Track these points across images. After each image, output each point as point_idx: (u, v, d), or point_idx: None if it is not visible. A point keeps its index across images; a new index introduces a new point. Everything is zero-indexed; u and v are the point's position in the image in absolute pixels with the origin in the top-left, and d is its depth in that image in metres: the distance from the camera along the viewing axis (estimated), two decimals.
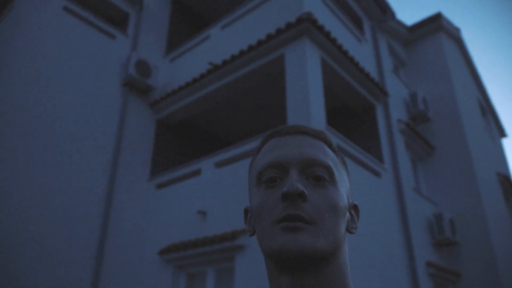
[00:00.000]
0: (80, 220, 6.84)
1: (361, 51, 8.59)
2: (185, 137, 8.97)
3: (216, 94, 7.85)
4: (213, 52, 8.21)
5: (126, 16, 9.12)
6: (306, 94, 6.21)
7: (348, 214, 0.70)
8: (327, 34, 6.73)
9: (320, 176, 0.65)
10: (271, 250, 0.61)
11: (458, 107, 10.29)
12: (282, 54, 6.76)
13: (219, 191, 6.63)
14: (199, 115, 8.84)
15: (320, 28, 6.58)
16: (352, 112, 8.39)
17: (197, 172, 7.23)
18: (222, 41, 8.19)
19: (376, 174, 7.34)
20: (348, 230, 0.71)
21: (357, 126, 8.26)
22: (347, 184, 0.74)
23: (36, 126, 6.78)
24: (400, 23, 10.63)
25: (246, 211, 0.76)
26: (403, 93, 10.02)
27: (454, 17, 47.06)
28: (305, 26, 6.45)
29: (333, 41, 6.88)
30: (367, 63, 8.62)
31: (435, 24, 11.07)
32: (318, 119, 6.16)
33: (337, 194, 0.65)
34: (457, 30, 12.41)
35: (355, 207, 0.75)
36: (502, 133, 15.27)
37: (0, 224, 5.89)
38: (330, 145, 0.73)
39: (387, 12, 9.60)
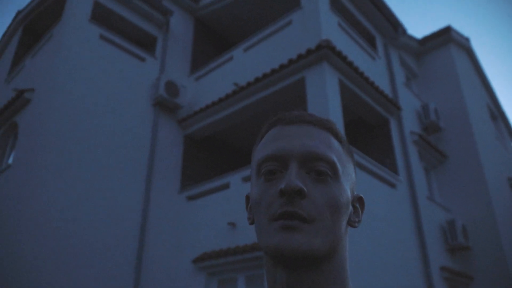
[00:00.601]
0: (119, 232, 7.50)
1: (375, 68, 9.13)
2: (212, 151, 9.60)
3: (240, 112, 8.47)
4: (236, 73, 8.83)
5: (154, 39, 9.78)
6: (326, 115, 6.78)
7: (351, 207, 0.68)
8: (344, 59, 7.30)
9: (321, 171, 0.62)
10: (267, 247, 0.60)
11: (468, 115, 10.76)
12: (303, 77, 7.35)
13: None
14: (224, 131, 9.46)
15: (338, 54, 7.16)
16: (367, 126, 8.93)
17: (225, 186, 7.85)
18: (245, 63, 8.80)
19: (392, 185, 7.89)
20: (350, 224, 0.68)
21: (372, 139, 8.81)
22: (352, 176, 0.71)
23: (78, 145, 7.46)
24: (411, 38, 11.13)
25: (247, 198, 0.75)
26: (415, 105, 10.52)
27: (463, 23, 46.68)
28: (325, 53, 7.04)
29: (350, 64, 7.45)
30: (381, 79, 9.16)
31: (445, 37, 11.55)
32: None
33: (339, 190, 0.63)
34: (467, 40, 12.86)
35: (359, 200, 0.72)
36: None
37: (46, 239, 6.57)
38: (336, 135, 0.69)
39: (399, 28, 10.12)
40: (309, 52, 7.14)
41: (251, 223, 0.70)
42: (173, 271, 7.73)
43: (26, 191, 6.76)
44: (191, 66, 10.17)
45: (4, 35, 11.59)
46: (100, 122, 7.96)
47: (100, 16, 9.00)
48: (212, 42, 10.96)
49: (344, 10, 9.07)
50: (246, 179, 7.54)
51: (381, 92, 8.25)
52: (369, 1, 9.39)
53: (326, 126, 0.69)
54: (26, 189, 6.79)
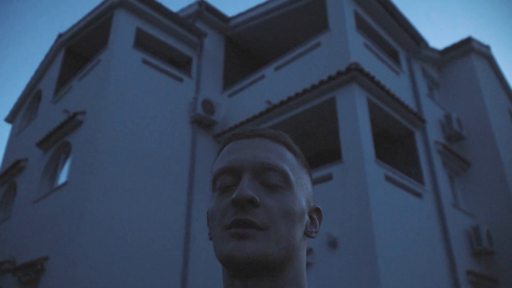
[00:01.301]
0: (165, 240, 8.20)
1: (399, 82, 9.62)
2: None
3: (273, 129, 9.06)
4: (268, 91, 9.43)
5: (189, 59, 10.47)
6: (357, 132, 7.34)
7: (307, 218, 0.67)
8: (372, 79, 7.84)
9: (273, 183, 0.63)
10: (220, 256, 0.59)
11: (490, 123, 11.14)
12: (334, 97, 7.91)
13: None
14: None
15: (366, 75, 7.70)
16: (393, 138, 9.43)
17: None
18: (276, 81, 9.40)
19: (418, 195, 8.38)
20: (307, 234, 0.68)
21: (398, 151, 9.30)
22: (307, 187, 0.71)
23: (126, 163, 8.18)
24: (432, 49, 11.55)
25: (207, 214, 0.71)
26: (439, 114, 10.95)
27: (483, 30, 46.11)
28: (354, 74, 7.59)
29: (377, 83, 7.97)
30: (405, 92, 9.64)
31: (466, 47, 11.93)
32: (368, 153, 7.28)
33: (292, 199, 0.63)
34: (487, 47, 13.19)
35: (317, 211, 0.72)
36: None
37: (101, 249, 7.30)
38: (290, 148, 0.70)
39: (421, 43, 10.57)
40: (339, 74, 7.70)
41: (211, 239, 0.67)
42: (215, 275, 8.38)
43: (83, 206, 7.50)
44: (223, 83, 10.82)
45: (47, 55, 12.45)
46: (145, 140, 8.67)
47: (142, 41, 9.72)
48: (242, 60, 11.60)
49: (369, 29, 9.58)
50: None
51: (406, 107, 8.74)
52: (392, 18, 9.88)
53: (279, 139, 0.69)
54: (83, 203, 7.53)
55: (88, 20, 10.40)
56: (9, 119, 13.98)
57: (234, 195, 0.59)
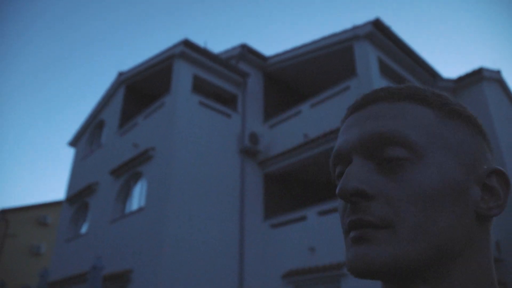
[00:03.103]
0: (223, 254, 9.98)
1: None
2: (287, 185, 11.96)
3: (309, 158, 10.77)
4: (305, 125, 11.13)
5: (235, 96, 12.24)
6: None
7: (475, 190, 0.47)
8: None
9: (393, 157, 0.46)
10: (346, 265, 0.47)
11: (499, 145, 12.59)
12: None
13: (323, 233, 9.54)
14: (296, 169, 11.79)
15: None
16: None
17: (303, 218, 10.18)
18: (312, 117, 11.09)
19: None
20: (482, 213, 0.46)
21: None
22: (465, 145, 0.48)
23: (190, 190, 9.98)
24: (447, 80, 13.06)
25: None
26: None
27: (494, 53, 48.55)
28: None
29: None
30: None
31: (478, 76, 13.39)
32: None
33: (427, 172, 0.45)
34: (498, 72, 14.59)
35: (497, 174, 0.49)
36: None
37: (177, 266, 9.13)
38: (420, 100, 0.50)
39: (436, 76, 12.10)
40: None
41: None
42: (267, 283, 10.16)
43: (162, 227, 9.33)
44: (264, 114, 12.56)
45: (108, 90, 14.40)
46: (204, 170, 10.47)
47: (196, 84, 11.53)
48: (280, 93, 13.32)
49: (390, 70, 11.18)
50: (321, 213, 9.84)
51: None
52: (410, 58, 11.45)
53: (401, 95, 0.50)
54: (162, 225, 9.36)
55: (149, 64, 12.27)
56: (72, 143, 16.00)
57: (336, 190, 0.46)
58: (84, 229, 13.27)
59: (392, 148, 0.46)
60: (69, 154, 57.87)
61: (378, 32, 10.56)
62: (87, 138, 15.12)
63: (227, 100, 12.44)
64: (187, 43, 11.09)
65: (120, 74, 13.87)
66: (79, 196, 13.40)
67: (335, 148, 0.51)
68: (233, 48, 12.89)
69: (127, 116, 13.12)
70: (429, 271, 0.45)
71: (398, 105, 0.49)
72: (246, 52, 12.54)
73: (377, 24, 10.47)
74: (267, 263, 10.42)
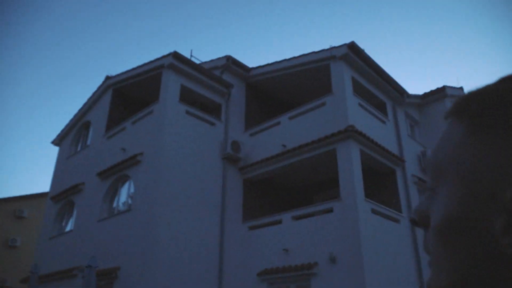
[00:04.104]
0: (205, 253, 10.82)
1: (386, 129, 12.31)
2: (265, 190, 12.88)
3: (287, 166, 11.72)
4: (283, 136, 12.05)
5: (219, 106, 13.04)
6: (352, 177, 10.01)
7: (496, 221, 0.37)
8: (364, 135, 10.51)
9: (429, 187, 0.45)
10: None
11: None
12: (335, 149, 10.57)
13: (296, 236, 10.52)
14: (274, 176, 12.72)
15: (360, 133, 10.37)
16: (380, 174, 12.12)
17: (279, 221, 11.13)
18: (290, 128, 12.03)
19: (396, 221, 11.10)
20: (504, 249, 0.36)
21: (384, 184, 12.00)
22: (486, 167, 0.39)
23: (176, 194, 10.76)
24: (414, 96, 14.25)
25: None
26: (417, 150, 13.66)
27: (457, 68, 52.54)
28: (350, 134, 10.25)
29: (368, 138, 10.65)
30: (390, 137, 12.33)
31: (441, 94, 14.66)
32: (359, 193, 9.96)
33: (444, 199, 0.41)
34: (461, 89, 15.92)
35: None
36: None
37: (165, 265, 9.94)
38: (461, 112, 0.43)
39: (404, 94, 13.25)
40: (339, 132, 10.36)
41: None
42: (244, 281, 11.08)
43: (151, 229, 10.09)
44: (245, 123, 13.42)
45: (95, 92, 14.93)
46: (188, 175, 11.26)
47: (183, 93, 12.26)
48: (261, 103, 14.20)
49: (363, 88, 12.23)
50: (295, 218, 10.80)
51: (389, 152, 11.44)
52: (380, 77, 12.54)
53: (451, 112, 0.45)
54: (151, 227, 10.12)
55: (138, 72, 12.92)
56: (56, 142, 16.42)
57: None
58: (69, 227, 13.83)
59: (429, 173, 0.45)
60: (48, 149, 57.47)
61: (353, 54, 11.58)
62: (72, 138, 15.60)
63: (212, 109, 13.22)
64: (176, 55, 11.81)
65: (108, 78, 14.43)
66: (65, 195, 13.94)
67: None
68: (218, 59, 13.68)
69: (114, 119, 13.72)
70: None
71: (454, 124, 0.44)
72: (230, 64, 13.34)
73: (352, 47, 11.49)
74: (244, 262, 11.33)
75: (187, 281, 10.16)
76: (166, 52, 11.97)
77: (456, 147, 0.43)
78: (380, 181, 12.10)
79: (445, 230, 0.41)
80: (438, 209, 0.42)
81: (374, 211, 10.31)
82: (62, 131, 16.16)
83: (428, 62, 57.20)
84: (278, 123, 12.46)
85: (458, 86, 15.92)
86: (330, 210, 10.21)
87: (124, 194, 12.05)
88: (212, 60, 13.98)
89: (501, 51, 48.86)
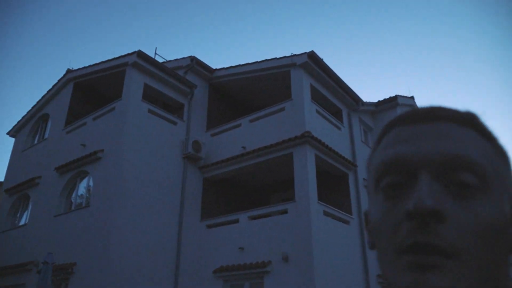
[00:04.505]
0: (163, 249, 11.08)
1: (341, 135, 13.00)
2: (224, 189, 13.24)
3: (246, 168, 12.15)
4: (243, 138, 12.46)
5: (182, 105, 13.26)
6: (306, 180, 10.58)
7: None
8: (319, 141, 11.10)
9: (466, 183, 0.44)
10: None
11: None
12: (292, 153, 11.10)
13: (252, 235, 10.98)
14: (233, 176, 13.11)
15: (315, 139, 10.95)
16: (333, 177, 12.79)
17: (236, 221, 11.55)
18: (250, 131, 12.46)
19: (346, 222, 11.80)
20: None
21: (336, 187, 12.69)
22: (509, 184, 0.48)
23: (136, 190, 10.93)
24: (368, 104, 15.05)
25: (366, 215, 0.56)
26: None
27: (408, 76, 56.39)
28: (307, 139, 10.81)
29: (323, 144, 11.25)
30: (345, 142, 13.03)
31: (393, 103, 15.55)
32: (313, 196, 10.55)
33: (493, 209, 0.44)
34: (411, 98, 16.93)
35: None
36: None
37: (124, 258, 10.13)
38: (482, 131, 0.49)
39: (359, 102, 14.00)
40: (296, 137, 10.89)
41: (371, 248, 0.52)
42: (200, 278, 11.43)
43: (110, 226, 10.22)
44: (207, 123, 13.72)
45: (54, 85, 14.71)
46: (148, 173, 11.45)
47: (147, 92, 12.39)
48: (223, 104, 14.53)
49: (321, 95, 12.84)
50: (252, 218, 11.26)
51: (343, 157, 12.12)
52: (337, 85, 13.20)
53: (467, 121, 0.49)
54: (109, 224, 10.25)
55: (101, 68, 12.90)
56: (12, 133, 16.03)
57: (410, 206, 0.42)
58: (23, 221, 13.62)
59: (465, 173, 0.44)
60: (3, 140, 55.00)
61: (312, 63, 12.14)
62: (29, 130, 15.31)
63: (174, 108, 13.41)
64: (140, 54, 11.91)
65: (69, 71, 14.27)
66: (20, 188, 13.72)
67: (393, 156, 0.47)
68: (183, 59, 13.86)
69: (74, 113, 13.62)
70: None
71: (464, 129, 0.47)
72: (194, 64, 13.57)
73: (312, 56, 12.04)
74: (201, 260, 11.68)
75: (144, 277, 10.39)
76: (130, 48, 12.05)
77: (495, 160, 0.47)
78: (333, 184, 12.78)
79: (499, 233, 0.43)
80: (494, 211, 0.44)
81: (326, 213, 10.94)
82: (18, 122, 15.80)
83: (383, 73, 60.79)
84: (239, 125, 12.85)
85: (410, 95, 16.95)
86: (285, 212, 10.73)
87: (82, 190, 12.06)
88: (176, 60, 14.15)
89: (450, 63, 52.24)
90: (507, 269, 0.44)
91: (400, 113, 0.53)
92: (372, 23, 51.03)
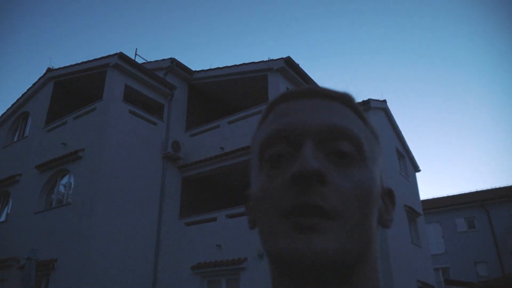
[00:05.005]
0: (142, 246, 11.45)
1: None
2: (202, 188, 13.67)
3: (224, 167, 12.60)
4: (222, 138, 12.90)
5: (162, 106, 13.60)
6: None
7: (381, 202, 0.52)
8: None
9: (345, 152, 0.48)
10: (276, 254, 0.45)
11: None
12: None
13: (229, 233, 11.47)
14: (212, 175, 13.54)
15: None
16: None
17: (214, 219, 12.01)
18: (228, 132, 12.90)
19: None
20: (383, 223, 0.53)
21: None
22: (379, 163, 0.54)
23: (116, 189, 11.27)
24: None
25: (247, 195, 0.59)
26: None
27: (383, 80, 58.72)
28: None
29: None
30: None
31: (366, 106, 16.22)
32: None
33: (368, 175, 0.49)
34: (384, 102, 17.66)
35: (389, 193, 0.56)
36: (416, 169, 20.92)
37: (106, 254, 10.48)
38: (358, 112, 0.54)
39: None
40: None
41: (252, 227, 0.55)
42: (178, 274, 11.86)
43: (89, 222, 10.53)
44: (187, 123, 14.10)
45: (35, 83, 14.82)
46: (128, 172, 11.78)
47: (127, 93, 12.68)
48: (202, 105, 14.93)
49: None
50: (229, 216, 11.74)
51: None
52: None
53: (345, 100, 0.54)
54: (89, 221, 10.56)
55: (83, 68, 13.12)
56: None
57: (295, 168, 0.44)
58: (3, 217, 13.75)
59: (345, 142, 0.48)
60: None
61: (288, 68, 12.66)
62: (9, 127, 15.37)
63: (154, 109, 13.74)
64: (121, 56, 12.20)
65: (49, 70, 14.41)
66: (0, 184, 13.83)
67: (277, 127, 0.50)
68: (163, 60, 14.19)
69: (55, 112, 13.80)
70: (352, 268, 0.45)
71: (342, 106, 0.52)
72: (174, 66, 13.92)
73: (288, 61, 12.57)
74: (180, 257, 12.11)
75: (123, 273, 10.76)
76: (111, 48, 12.35)
77: (368, 135, 0.53)
78: None
79: (374, 199, 0.48)
80: (369, 178, 0.48)
81: None
82: None
83: (356, 76, 62.82)
84: (218, 126, 13.28)
85: (382, 99, 17.68)
86: None
87: (62, 187, 12.31)
88: (157, 61, 14.45)
89: (420, 70, 54.16)
90: (375, 231, 0.49)
91: (281, 93, 0.56)
92: (347, 28, 52.49)
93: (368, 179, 0.48)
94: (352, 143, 0.49)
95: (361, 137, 0.50)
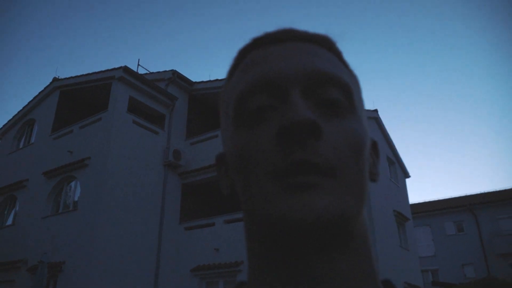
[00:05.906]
0: (145, 250, 12.15)
1: None
2: (201, 195, 14.38)
3: None
4: (221, 146, 13.49)
5: (163, 116, 14.29)
6: None
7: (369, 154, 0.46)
8: None
9: (336, 100, 0.42)
10: (271, 219, 0.38)
11: None
12: None
13: (226, 237, 12.18)
14: (210, 182, 14.25)
15: None
16: None
17: (212, 224, 12.72)
18: None
19: None
20: (371, 177, 0.47)
21: None
22: (364, 108, 0.49)
23: (121, 196, 11.95)
24: None
25: (218, 158, 0.52)
26: None
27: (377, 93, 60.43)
28: None
29: None
30: None
31: None
32: None
33: (360, 126, 0.43)
34: (375, 111, 18.44)
35: (373, 146, 0.50)
36: (406, 175, 21.73)
37: (111, 260, 11.16)
38: (338, 55, 0.48)
39: None
40: None
41: (228, 193, 0.49)
42: (178, 276, 12.57)
43: (95, 228, 11.21)
44: (187, 132, 14.80)
45: (41, 92, 15.47)
46: (132, 179, 12.47)
47: (131, 104, 13.36)
48: (202, 114, 15.63)
49: None
50: (227, 221, 12.46)
51: None
52: None
53: (326, 43, 0.47)
54: (95, 226, 11.24)
55: (88, 79, 13.79)
56: None
57: (284, 120, 0.37)
58: (9, 221, 14.39)
59: (335, 89, 0.42)
60: None
61: None
62: (15, 134, 15.99)
63: (156, 119, 14.42)
64: (126, 69, 12.89)
65: (55, 79, 15.05)
66: (7, 189, 14.46)
67: (256, 76, 0.43)
68: (165, 72, 14.88)
69: (60, 120, 14.45)
70: (351, 228, 0.40)
71: (324, 50, 0.46)
72: (175, 77, 14.62)
73: None
74: (179, 259, 12.81)
75: (126, 275, 11.46)
76: (115, 58, 13.07)
77: (353, 81, 0.47)
78: None
79: (365, 151, 0.42)
80: (362, 129, 0.42)
81: None
82: (4, 126, 16.44)
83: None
84: (216, 135, 13.98)
85: (373, 108, 18.47)
86: None
87: (69, 193, 12.97)
88: (158, 72, 15.14)
89: (411, 79, 55.31)
90: (367, 184, 0.43)
91: (253, 38, 0.48)
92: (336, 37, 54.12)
93: (361, 131, 0.42)
94: (343, 91, 0.43)
95: (351, 86, 0.44)
